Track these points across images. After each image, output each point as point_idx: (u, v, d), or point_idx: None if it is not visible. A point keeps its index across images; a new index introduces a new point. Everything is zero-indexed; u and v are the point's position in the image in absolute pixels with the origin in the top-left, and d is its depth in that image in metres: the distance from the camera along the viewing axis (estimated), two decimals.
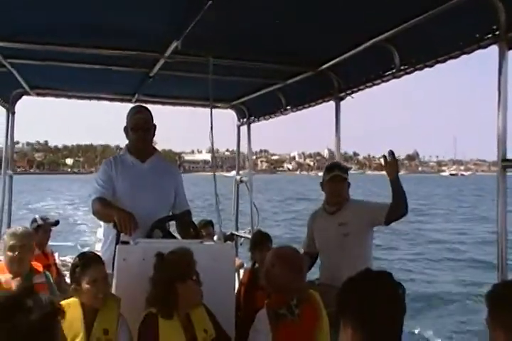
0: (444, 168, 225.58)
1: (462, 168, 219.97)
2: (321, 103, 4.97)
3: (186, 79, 4.98)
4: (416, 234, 24.78)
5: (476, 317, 9.80)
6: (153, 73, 4.64)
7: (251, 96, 5.75)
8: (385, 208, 3.64)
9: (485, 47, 2.94)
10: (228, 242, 4.48)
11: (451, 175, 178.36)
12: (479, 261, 16.84)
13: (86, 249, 6.51)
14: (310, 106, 5.18)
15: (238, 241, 6.47)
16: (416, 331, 9.53)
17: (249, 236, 5.53)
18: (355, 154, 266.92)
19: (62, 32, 3.73)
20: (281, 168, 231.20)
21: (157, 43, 3.88)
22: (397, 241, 21.86)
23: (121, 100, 6.05)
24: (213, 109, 4.09)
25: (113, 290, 3.05)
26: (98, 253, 3.16)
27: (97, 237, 6.48)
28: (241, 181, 6.60)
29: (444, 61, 3.34)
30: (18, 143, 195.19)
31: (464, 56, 3.16)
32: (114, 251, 3.16)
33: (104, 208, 3.53)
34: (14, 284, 3.33)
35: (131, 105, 4.18)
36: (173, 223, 3.74)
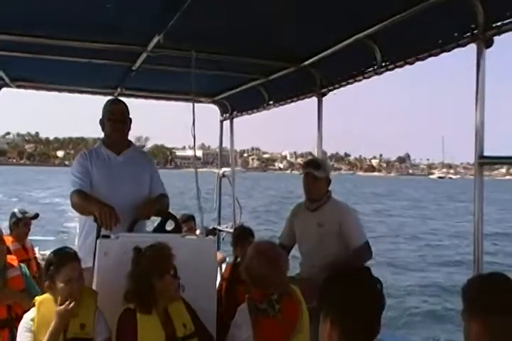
0: (434, 170, 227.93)
1: (452, 171, 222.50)
2: (303, 99, 4.98)
3: (169, 74, 4.95)
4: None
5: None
6: (135, 67, 4.61)
7: (234, 91, 5.74)
8: (353, 245, 3.64)
9: (464, 45, 2.99)
10: (210, 237, 4.48)
11: (439, 177, 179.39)
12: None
13: (67, 243, 6.43)
14: (292, 101, 5.18)
15: (221, 235, 6.48)
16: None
17: (232, 231, 5.55)
18: (347, 155, 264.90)
19: (44, 25, 3.68)
20: (272, 167, 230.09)
21: (140, 37, 3.86)
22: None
23: (104, 93, 5.98)
24: (197, 104, 4.08)
25: (94, 285, 3.04)
26: (74, 248, 3.13)
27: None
28: (223, 175, 6.57)
29: (424, 58, 3.37)
30: (9, 133, 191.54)
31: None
32: (95, 246, 3.16)
33: (84, 201, 3.46)
34: None
35: None
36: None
